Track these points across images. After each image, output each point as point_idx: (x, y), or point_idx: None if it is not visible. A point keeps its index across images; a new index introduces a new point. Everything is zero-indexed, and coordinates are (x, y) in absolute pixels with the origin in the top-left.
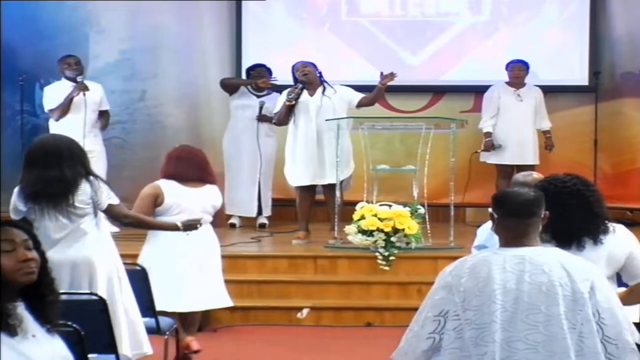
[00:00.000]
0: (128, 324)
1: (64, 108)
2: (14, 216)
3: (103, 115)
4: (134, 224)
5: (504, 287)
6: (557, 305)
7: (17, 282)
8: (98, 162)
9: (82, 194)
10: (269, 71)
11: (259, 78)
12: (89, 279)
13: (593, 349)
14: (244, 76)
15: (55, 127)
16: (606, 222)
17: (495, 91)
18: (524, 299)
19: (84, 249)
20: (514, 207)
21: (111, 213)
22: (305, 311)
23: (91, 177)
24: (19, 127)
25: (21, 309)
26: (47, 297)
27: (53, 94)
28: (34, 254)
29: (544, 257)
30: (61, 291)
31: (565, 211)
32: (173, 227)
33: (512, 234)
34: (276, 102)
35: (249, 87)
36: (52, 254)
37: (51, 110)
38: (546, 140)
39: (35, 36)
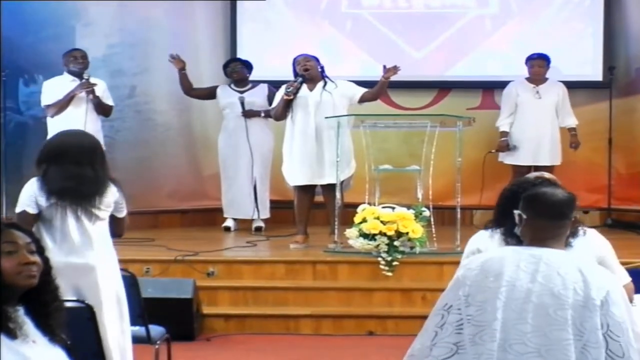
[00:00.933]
0: (120, 334)
1: (63, 104)
2: (30, 210)
3: (105, 107)
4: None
5: (512, 284)
6: (566, 310)
7: (17, 286)
8: None
9: (109, 196)
10: (247, 65)
11: (234, 74)
12: (95, 285)
13: (595, 359)
14: (221, 73)
15: (54, 123)
16: (576, 225)
17: (514, 88)
18: (533, 299)
19: (98, 254)
20: (548, 208)
21: (122, 224)
22: None
23: (116, 181)
24: (2, 125)
25: (22, 314)
26: (50, 304)
27: (52, 88)
28: (36, 258)
29: (562, 259)
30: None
31: None
32: None
33: (540, 236)
34: (263, 96)
35: (231, 85)
36: (69, 257)
37: (48, 106)
38: (571, 138)
39: (18, 30)
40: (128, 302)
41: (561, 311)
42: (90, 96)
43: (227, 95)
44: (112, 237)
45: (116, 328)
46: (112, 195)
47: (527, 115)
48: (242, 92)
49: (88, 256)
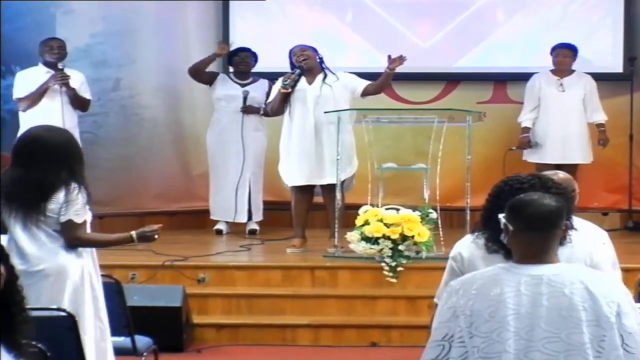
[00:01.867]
0: (97, 345)
1: (35, 98)
2: None
3: (81, 101)
4: (83, 246)
5: (517, 312)
6: (580, 333)
7: None
8: None
9: (53, 203)
10: (254, 56)
11: (242, 65)
12: (58, 293)
13: None
14: (215, 61)
15: (27, 117)
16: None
17: (537, 80)
18: (541, 325)
19: (54, 260)
20: (534, 219)
21: (66, 230)
22: None
23: (72, 185)
24: None
25: None
26: (16, 317)
27: (25, 80)
28: None
29: (565, 277)
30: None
31: None
32: (128, 240)
33: (529, 250)
34: (263, 92)
35: (231, 75)
36: (20, 266)
37: (20, 99)
38: (599, 135)
39: None
40: (112, 311)
41: (575, 335)
42: (64, 88)
43: (227, 87)
44: (68, 246)
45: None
46: (56, 202)
47: (550, 110)
48: (243, 86)
49: (39, 264)
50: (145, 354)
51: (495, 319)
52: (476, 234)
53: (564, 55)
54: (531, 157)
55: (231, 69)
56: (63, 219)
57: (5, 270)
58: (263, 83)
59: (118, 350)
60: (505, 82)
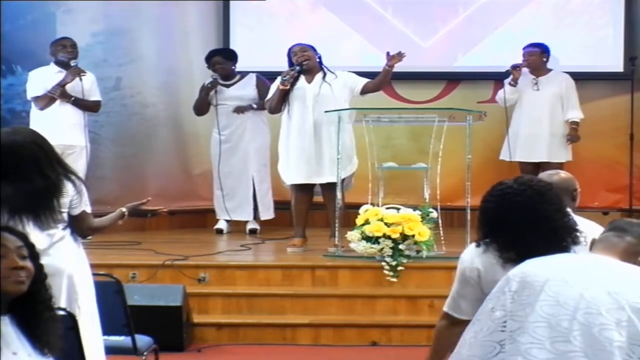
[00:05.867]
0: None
1: (51, 98)
2: None
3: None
4: (95, 233)
5: (564, 281)
6: (613, 355)
7: (4, 292)
8: (77, 161)
9: (64, 196)
10: (231, 56)
11: (219, 69)
12: (66, 293)
13: None
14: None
15: (38, 117)
16: (573, 232)
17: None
18: (574, 342)
19: (60, 258)
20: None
21: (80, 222)
22: None
23: (72, 176)
24: None
25: (6, 323)
26: (42, 314)
27: (38, 79)
28: (27, 263)
29: (600, 292)
30: None
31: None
32: (121, 216)
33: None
34: (252, 87)
35: (217, 79)
36: None
37: (36, 98)
38: (570, 131)
39: None
40: (113, 310)
41: (603, 354)
42: (65, 99)
43: (220, 92)
44: (78, 238)
45: (88, 337)
46: (66, 195)
47: (524, 107)
48: (228, 86)
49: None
50: (145, 353)
51: (537, 284)
52: (482, 246)
53: (530, 54)
54: (504, 155)
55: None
56: (77, 211)
57: (34, 268)
58: (250, 78)
59: (118, 350)
60: None
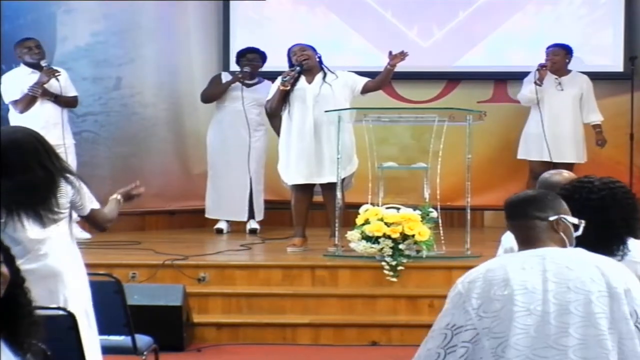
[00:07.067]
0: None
1: (31, 99)
2: None
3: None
4: (110, 224)
5: (524, 287)
6: (590, 303)
7: None
8: (66, 159)
9: (62, 196)
10: (263, 57)
11: (250, 66)
12: (59, 294)
13: (633, 351)
14: (232, 62)
15: (17, 122)
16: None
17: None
18: (550, 299)
19: (55, 259)
20: (507, 208)
21: (94, 220)
22: None
23: (70, 176)
24: None
25: None
26: (22, 320)
27: (12, 82)
28: (2, 268)
29: (568, 255)
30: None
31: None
32: (118, 204)
33: (519, 238)
34: (262, 94)
35: (248, 72)
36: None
37: (15, 102)
38: (596, 135)
39: None
40: (113, 310)
41: (584, 306)
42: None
43: (232, 88)
44: (101, 231)
45: (84, 337)
46: (64, 196)
47: (547, 107)
48: (249, 86)
49: (44, 260)
50: (145, 353)
51: (503, 298)
52: None
53: (555, 54)
54: (524, 154)
55: (238, 69)
56: (85, 211)
57: (10, 273)
58: (266, 85)
59: (118, 350)
60: (506, 81)
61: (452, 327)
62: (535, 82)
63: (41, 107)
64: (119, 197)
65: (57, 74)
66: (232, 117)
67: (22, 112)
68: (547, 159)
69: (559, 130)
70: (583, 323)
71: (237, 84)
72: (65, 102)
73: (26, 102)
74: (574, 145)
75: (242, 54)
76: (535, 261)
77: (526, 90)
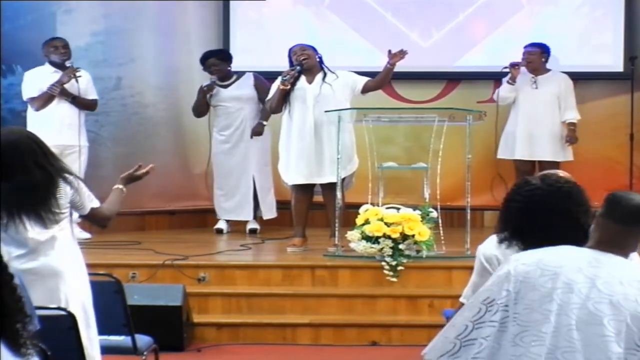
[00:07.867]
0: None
1: (48, 97)
2: None
3: (87, 103)
4: (111, 220)
5: (569, 287)
6: (621, 322)
7: None
8: (77, 160)
9: (62, 197)
10: (226, 57)
11: (215, 72)
12: (60, 293)
13: None
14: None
15: (35, 117)
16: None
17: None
18: (589, 306)
19: (56, 259)
20: (625, 213)
21: (95, 218)
22: None
23: (68, 176)
24: None
25: None
26: (16, 321)
27: (33, 80)
28: None
29: (627, 269)
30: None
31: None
32: (121, 193)
33: (608, 239)
34: (250, 86)
35: (215, 81)
36: (19, 265)
37: (32, 99)
38: (568, 132)
39: None
40: (112, 310)
41: (615, 322)
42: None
43: (218, 94)
44: (102, 227)
45: (83, 336)
46: (64, 196)
47: (522, 106)
48: (226, 87)
49: (44, 260)
50: (145, 353)
51: (545, 290)
52: (506, 241)
53: (530, 54)
54: (502, 153)
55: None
56: (85, 211)
57: None
58: (248, 77)
59: (118, 350)
60: None
61: (488, 302)
62: (507, 81)
63: (57, 106)
64: (120, 186)
65: (78, 75)
66: (226, 117)
67: (37, 109)
68: (526, 158)
69: (536, 128)
70: (609, 339)
71: (219, 88)
72: (83, 104)
73: (43, 100)
74: (553, 143)
75: (202, 61)
76: (594, 265)
77: (501, 90)
